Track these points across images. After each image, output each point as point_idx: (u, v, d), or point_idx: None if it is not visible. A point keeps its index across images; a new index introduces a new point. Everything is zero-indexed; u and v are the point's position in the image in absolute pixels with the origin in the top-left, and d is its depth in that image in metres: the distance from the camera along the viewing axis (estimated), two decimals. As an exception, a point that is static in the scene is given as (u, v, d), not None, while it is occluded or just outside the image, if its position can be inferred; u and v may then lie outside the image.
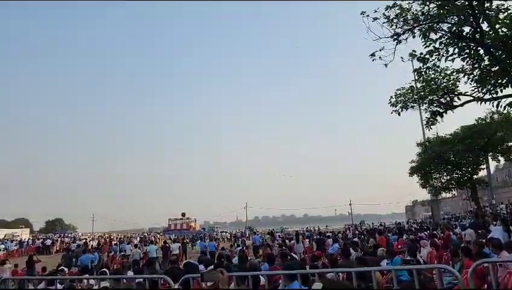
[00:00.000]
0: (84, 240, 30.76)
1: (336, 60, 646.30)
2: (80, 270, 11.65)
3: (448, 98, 8.72)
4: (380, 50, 7.68)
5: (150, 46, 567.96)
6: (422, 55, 7.69)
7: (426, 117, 9.52)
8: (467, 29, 7.21)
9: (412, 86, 9.22)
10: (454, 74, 8.34)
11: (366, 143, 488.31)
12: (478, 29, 6.97)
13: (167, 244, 20.01)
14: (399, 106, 9.17)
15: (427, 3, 7.33)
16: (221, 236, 44.04)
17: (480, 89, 7.80)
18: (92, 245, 25.57)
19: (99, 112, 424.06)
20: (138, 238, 37.15)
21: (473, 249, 7.09)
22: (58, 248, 33.14)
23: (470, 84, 7.92)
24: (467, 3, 6.82)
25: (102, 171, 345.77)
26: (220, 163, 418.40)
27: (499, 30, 6.67)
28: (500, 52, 6.90)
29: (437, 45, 7.46)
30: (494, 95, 7.54)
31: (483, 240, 9.46)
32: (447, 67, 8.34)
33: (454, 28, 7.28)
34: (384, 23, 7.59)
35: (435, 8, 7.23)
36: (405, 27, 7.61)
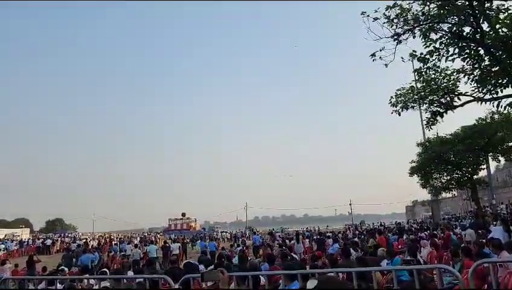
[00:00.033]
0: (84, 240, 30.74)
1: (335, 60, 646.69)
2: (80, 270, 11.65)
3: (448, 98, 8.72)
4: (381, 50, 7.71)
5: (150, 46, 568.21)
6: (422, 56, 7.69)
7: (426, 117, 9.54)
8: (467, 29, 7.22)
9: (412, 86, 9.22)
10: (454, 74, 8.34)
11: (366, 143, 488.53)
12: (478, 30, 6.97)
13: (167, 244, 20.04)
14: (399, 106, 9.18)
15: (428, 3, 7.33)
16: (221, 236, 44.05)
17: (480, 89, 7.80)
18: (92, 245, 25.57)
19: (99, 112, 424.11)
20: (138, 238, 37.18)
21: (473, 249, 7.09)
22: (58, 248, 33.15)
23: (470, 84, 7.94)
24: (467, 3, 6.83)
25: (102, 171, 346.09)
26: (220, 163, 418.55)
27: (499, 30, 6.67)
28: (500, 53, 6.90)
29: (437, 45, 7.47)
30: (495, 95, 7.55)
31: (484, 240, 9.46)
32: (447, 67, 8.35)
33: (454, 28, 7.28)
34: (384, 23, 7.60)
35: (435, 8, 7.23)
36: (405, 27, 7.62)
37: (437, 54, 7.60)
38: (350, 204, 64.15)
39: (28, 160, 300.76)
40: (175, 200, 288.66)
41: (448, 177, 22.51)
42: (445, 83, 8.53)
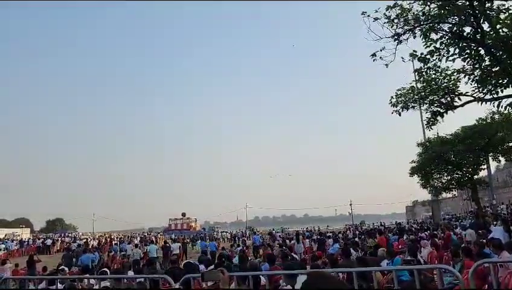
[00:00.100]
0: (84, 240, 30.77)
1: (335, 60, 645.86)
2: (80, 270, 11.65)
3: (448, 98, 8.72)
4: (381, 50, 7.71)
5: (150, 46, 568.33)
6: (423, 56, 7.69)
7: (427, 117, 9.53)
8: (467, 29, 7.22)
9: (413, 86, 9.21)
10: (455, 74, 8.33)
11: (366, 143, 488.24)
12: (479, 30, 6.97)
13: (167, 244, 20.03)
14: (400, 106, 9.17)
15: (428, 3, 7.33)
16: (221, 236, 44.06)
17: (480, 89, 7.80)
18: (92, 245, 25.60)
19: (99, 112, 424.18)
20: (139, 238, 37.24)
21: (473, 250, 7.09)
22: (58, 248, 33.17)
23: (471, 84, 7.93)
24: (467, 3, 6.83)
25: (102, 171, 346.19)
26: (220, 163, 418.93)
27: (500, 30, 6.67)
28: (501, 53, 6.90)
29: (438, 45, 7.46)
30: (495, 96, 7.55)
31: (484, 241, 9.47)
32: (448, 67, 8.34)
33: (455, 28, 7.28)
34: (385, 23, 7.60)
35: (436, 8, 7.23)
36: (406, 27, 7.62)
37: (437, 54, 7.59)
38: (350, 204, 64.02)
39: (28, 160, 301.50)
40: (175, 200, 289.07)
41: (449, 178, 22.50)
42: (446, 83, 8.52)
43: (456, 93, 8.60)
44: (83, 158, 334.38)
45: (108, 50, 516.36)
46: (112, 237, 41.92)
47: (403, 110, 9.16)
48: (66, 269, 10.48)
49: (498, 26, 6.66)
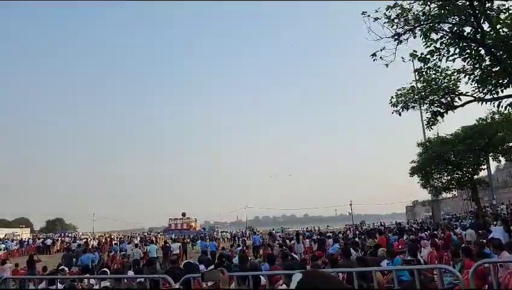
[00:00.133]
0: (84, 240, 30.76)
1: (335, 60, 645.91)
2: (80, 269, 11.64)
3: (449, 98, 8.71)
4: (381, 50, 7.71)
5: (150, 46, 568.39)
6: (423, 55, 7.69)
7: (427, 117, 9.52)
8: (468, 29, 7.22)
9: (413, 86, 9.21)
10: (455, 74, 8.33)
11: (366, 143, 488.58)
12: (479, 30, 6.97)
13: (168, 244, 20.02)
14: (400, 106, 9.16)
15: (428, 3, 7.33)
16: (221, 236, 44.05)
17: (481, 89, 7.80)
18: (92, 245, 25.59)
19: (99, 112, 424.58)
20: (139, 238, 37.23)
21: (473, 250, 7.08)
22: (58, 248, 33.15)
23: (471, 84, 7.93)
24: (467, 3, 6.83)
25: (102, 171, 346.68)
26: (220, 163, 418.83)
27: (500, 30, 6.67)
28: (501, 53, 6.90)
29: (438, 45, 7.46)
30: (495, 96, 7.54)
31: (484, 241, 9.46)
32: (448, 67, 8.33)
33: (455, 28, 7.28)
34: (385, 23, 7.60)
35: (436, 8, 7.23)
36: (406, 27, 7.62)
37: (438, 54, 7.59)
38: (350, 204, 63.99)
39: (28, 160, 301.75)
40: (175, 200, 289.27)
41: (449, 178, 22.50)
42: (446, 83, 8.52)
43: (456, 93, 8.60)
44: (83, 158, 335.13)
45: (108, 50, 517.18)
46: (112, 237, 41.92)
47: (403, 110, 9.16)
48: (66, 269, 10.47)
49: (498, 26, 6.66)
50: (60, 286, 6.49)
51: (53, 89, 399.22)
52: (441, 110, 8.88)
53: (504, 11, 6.65)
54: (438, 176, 22.94)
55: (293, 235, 21.34)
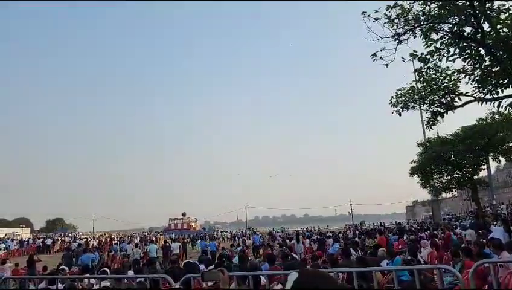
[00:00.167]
0: (84, 240, 30.75)
1: (335, 60, 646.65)
2: (80, 269, 11.65)
3: (449, 99, 8.71)
4: (381, 50, 7.70)
5: (150, 46, 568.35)
6: (423, 56, 7.68)
7: (427, 117, 9.52)
8: (468, 29, 7.21)
9: (413, 86, 9.21)
10: (455, 74, 8.32)
11: (366, 143, 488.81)
12: (479, 30, 6.97)
13: (168, 244, 20.02)
14: (400, 106, 9.16)
15: (428, 3, 7.33)
16: (221, 236, 44.07)
17: (481, 89, 7.79)
18: (92, 244, 25.59)
19: (99, 112, 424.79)
20: (139, 238, 37.24)
21: (473, 250, 7.09)
22: (58, 247, 33.14)
23: (471, 84, 7.93)
24: (468, 3, 6.82)
25: (102, 171, 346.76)
26: (220, 163, 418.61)
27: (500, 30, 6.67)
28: (501, 53, 6.89)
29: (438, 45, 7.46)
30: (495, 96, 7.54)
31: (484, 241, 9.47)
32: (448, 67, 8.33)
33: (455, 28, 7.28)
34: (385, 23, 7.60)
35: (436, 8, 7.23)
36: (406, 27, 7.61)
37: (438, 54, 7.59)
38: (350, 204, 63.97)
39: (28, 160, 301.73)
40: (175, 200, 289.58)
41: (449, 178, 22.49)
42: (446, 83, 8.52)
43: (456, 93, 8.60)
44: (83, 158, 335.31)
45: (108, 50, 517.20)
46: (112, 236, 41.95)
47: (403, 110, 9.16)
48: (66, 268, 10.48)
49: (498, 26, 6.66)
50: (60, 285, 6.49)
51: (53, 89, 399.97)
52: (441, 110, 8.88)
53: (504, 11, 6.65)
54: (438, 176, 22.93)
55: (293, 235, 21.34)
